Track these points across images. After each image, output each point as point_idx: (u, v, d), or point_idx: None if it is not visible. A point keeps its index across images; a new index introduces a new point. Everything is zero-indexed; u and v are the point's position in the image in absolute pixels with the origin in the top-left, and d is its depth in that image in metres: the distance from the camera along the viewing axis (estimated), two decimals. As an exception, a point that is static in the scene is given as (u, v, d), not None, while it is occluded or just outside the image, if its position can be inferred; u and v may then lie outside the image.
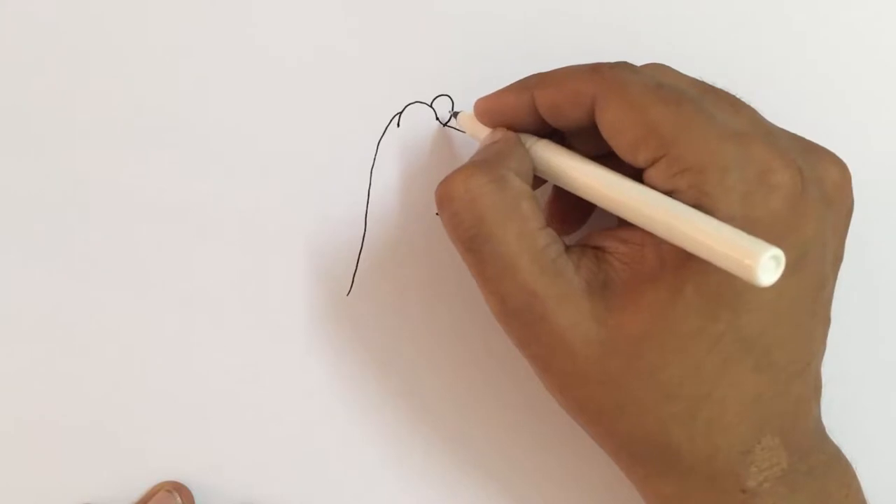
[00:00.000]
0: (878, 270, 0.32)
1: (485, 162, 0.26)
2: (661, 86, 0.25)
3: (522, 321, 0.25)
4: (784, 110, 0.27)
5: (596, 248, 0.26)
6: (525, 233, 0.25)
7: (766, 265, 0.21)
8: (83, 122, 0.31)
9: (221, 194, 0.31)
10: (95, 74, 0.31)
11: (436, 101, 0.31)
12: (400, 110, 0.31)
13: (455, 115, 0.31)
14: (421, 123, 0.31)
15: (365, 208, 0.31)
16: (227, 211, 0.31)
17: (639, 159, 0.24)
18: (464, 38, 0.32)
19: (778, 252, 0.21)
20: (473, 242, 0.25)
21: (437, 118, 0.31)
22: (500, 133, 0.28)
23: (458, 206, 0.25)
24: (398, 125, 0.31)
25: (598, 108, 0.25)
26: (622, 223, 0.25)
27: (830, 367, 0.27)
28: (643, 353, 0.24)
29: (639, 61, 0.27)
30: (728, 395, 0.24)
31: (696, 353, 0.24)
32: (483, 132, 0.29)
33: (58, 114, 0.31)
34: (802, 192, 0.24)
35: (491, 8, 0.32)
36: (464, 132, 0.30)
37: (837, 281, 0.27)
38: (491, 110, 0.28)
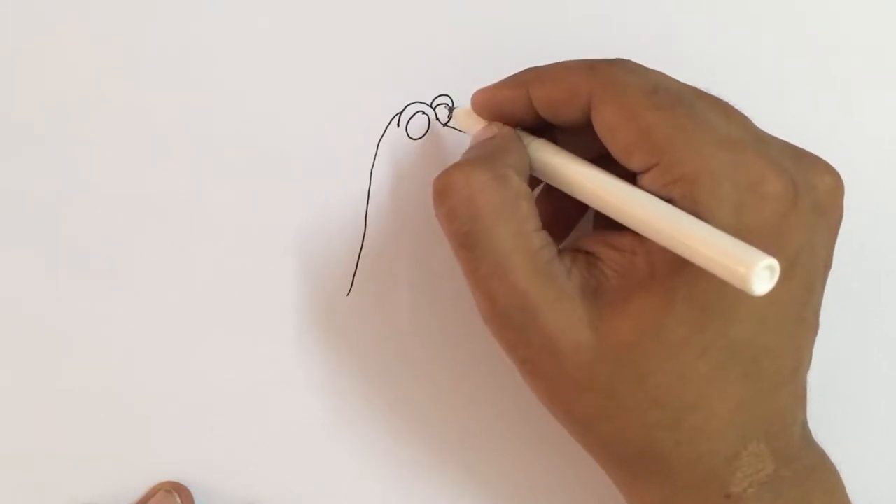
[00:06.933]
0: (865, 277, 0.33)
1: (485, 157, 0.26)
2: (657, 89, 0.24)
3: (512, 323, 0.25)
4: (775, 117, 0.27)
5: (588, 253, 0.26)
6: (521, 233, 0.25)
7: (760, 274, 0.21)
8: (84, 122, 0.31)
9: (221, 194, 0.31)
10: (95, 74, 0.31)
11: (435, 101, 0.31)
12: (400, 110, 0.31)
13: (451, 110, 0.31)
14: (421, 123, 0.31)
15: (365, 208, 0.31)
16: (227, 211, 0.31)
17: (632, 164, 0.24)
18: (464, 39, 0.31)
19: (773, 262, 0.21)
20: (468, 239, 0.25)
21: (438, 118, 0.31)
22: (497, 128, 0.28)
23: (457, 201, 0.25)
24: (398, 125, 0.31)
25: (594, 109, 0.25)
26: (613, 229, 0.25)
27: (819, 373, 0.27)
28: (632, 361, 0.24)
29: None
30: (715, 402, 0.24)
31: (684, 360, 0.24)
32: (479, 128, 0.28)
33: (55, 113, 0.31)
34: (794, 201, 0.24)
35: (491, 8, 0.32)
36: (462, 131, 0.30)
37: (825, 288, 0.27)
38: (488, 103, 0.28)
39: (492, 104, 0.28)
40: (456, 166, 0.25)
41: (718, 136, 0.24)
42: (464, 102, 0.30)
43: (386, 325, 0.31)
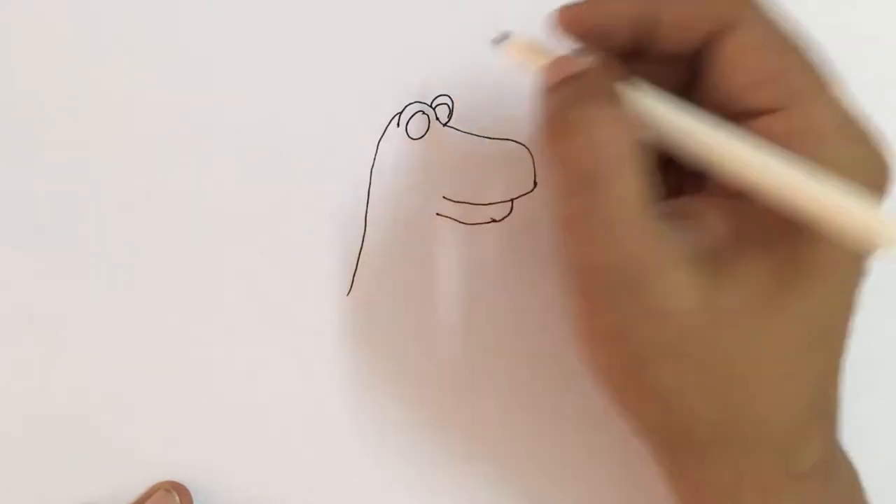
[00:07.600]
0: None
1: (608, 98, 0.23)
2: (797, 34, 0.23)
3: (610, 283, 0.22)
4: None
5: (696, 215, 0.24)
6: (639, 189, 0.22)
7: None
8: (84, 122, 0.31)
9: (220, 194, 0.31)
10: (95, 74, 0.31)
11: (435, 101, 0.31)
12: (400, 110, 0.31)
13: (506, 36, 0.27)
14: (421, 123, 0.31)
15: (365, 208, 0.31)
16: (226, 211, 0.31)
17: (757, 100, 0.23)
18: (464, 39, 0.32)
19: None
20: (582, 186, 0.22)
21: (438, 118, 0.31)
22: (584, 62, 0.24)
23: (581, 141, 0.22)
24: (398, 125, 0.31)
25: (732, 33, 0.23)
26: (720, 191, 0.24)
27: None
28: (734, 328, 0.23)
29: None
30: (797, 379, 0.23)
31: (781, 332, 0.23)
32: (543, 61, 0.25)
33: (56, 113, 0.31)
34: (883, 186, 0.23)
35: (491, 8, 0.32)
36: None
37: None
38: (590, 17, 0.24)
39: (595, 19, 0.24)
40: (579, 104, 0.23)
41: (841, 100, 0.23)
42: (463, 102, 0.30)
43: (386, 326, 0.31)
